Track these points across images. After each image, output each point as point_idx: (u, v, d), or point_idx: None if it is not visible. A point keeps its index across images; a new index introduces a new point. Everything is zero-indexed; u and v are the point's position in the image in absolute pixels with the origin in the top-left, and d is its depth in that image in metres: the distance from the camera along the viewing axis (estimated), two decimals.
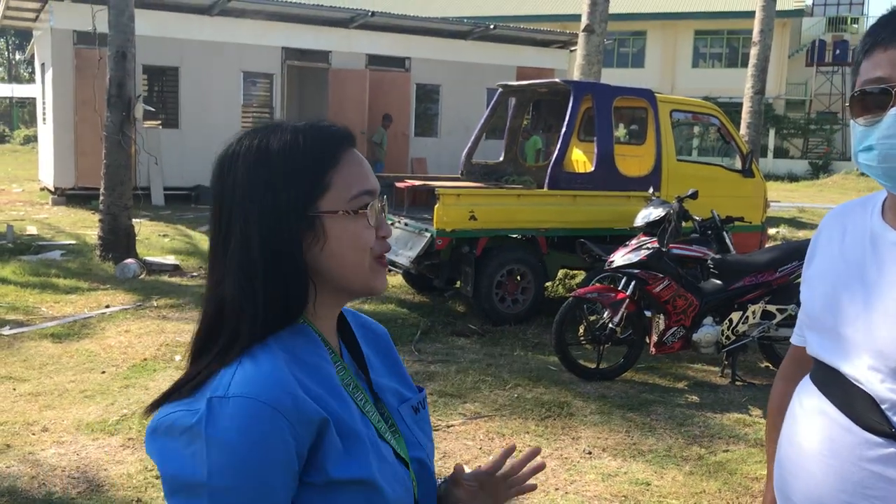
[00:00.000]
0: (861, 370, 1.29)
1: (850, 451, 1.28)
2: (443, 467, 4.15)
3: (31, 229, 11.62)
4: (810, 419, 1.38)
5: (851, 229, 1.41)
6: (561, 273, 8.46)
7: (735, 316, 5.75)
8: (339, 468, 1.03)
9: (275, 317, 1.06)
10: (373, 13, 16.43)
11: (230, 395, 0.98)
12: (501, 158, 9.55)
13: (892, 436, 1.23)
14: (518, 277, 7.29)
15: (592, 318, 5.88)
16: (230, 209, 1.08)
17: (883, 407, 1.25)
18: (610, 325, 5.69)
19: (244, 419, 0.97)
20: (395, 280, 8.70)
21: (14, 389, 5.14)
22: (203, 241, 11.22)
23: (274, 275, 1.05)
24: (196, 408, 0.99)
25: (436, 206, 6.84)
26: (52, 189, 15.31)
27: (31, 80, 41.05)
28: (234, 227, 1.07)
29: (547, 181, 7.64)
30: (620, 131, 10.81)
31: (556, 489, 3.97)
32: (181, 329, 6.54)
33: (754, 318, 5.78)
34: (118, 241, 9.27)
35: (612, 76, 19.55)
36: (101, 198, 9.37)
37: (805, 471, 1.36)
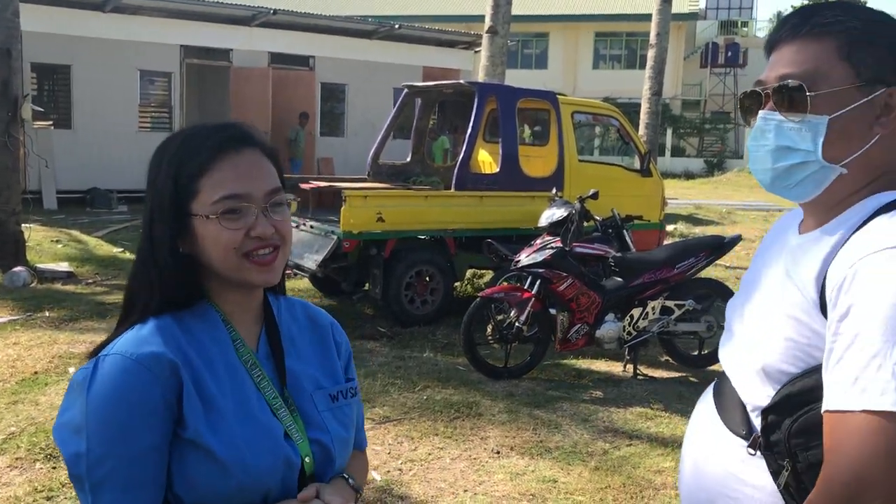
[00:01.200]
0: (735, 372, 1.33)
1: (720, 454, 1.31)
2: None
3: None
4: (699, 425, 1.42)
5: (781, 235, 1.42)
6: (469, 273, 8.52)
7: (636, 312, 5.92)
8: (195, 429, 1.20)
9: (167, 296, 1.26)
10: (275, 11, 16.14)
11: (109, 353, 1.21)
12: (409, 159, 9.54)
13: (749, 437, 1.26)
14: (427, 278, 7.30)
15: (500, 317, 5.95)
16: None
17: (748, 409, 1.28)
18: (517, 323, 5.76)
19: (112, 373, 1.18)
20: (302, 284, 8.57)
21: None
22: (98, 246, 10.78)
23: (158, 263, 1.26)
24: (90, 366, 1.21)
25: (342, 208, 6.78)
26: None
27: None
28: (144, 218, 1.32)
29: (454, 182, 7.67)
30: (525, 132, 10.98)
31: (465, 491, 3.98)
32: (75, 340, 6.26)
33: (654, 313, 5.96)
34: (6, 249, 8.79)
35: (517, 77, 19.82)
36: None
37: (687, 474, 1.40)
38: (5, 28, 8.68)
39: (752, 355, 1.27)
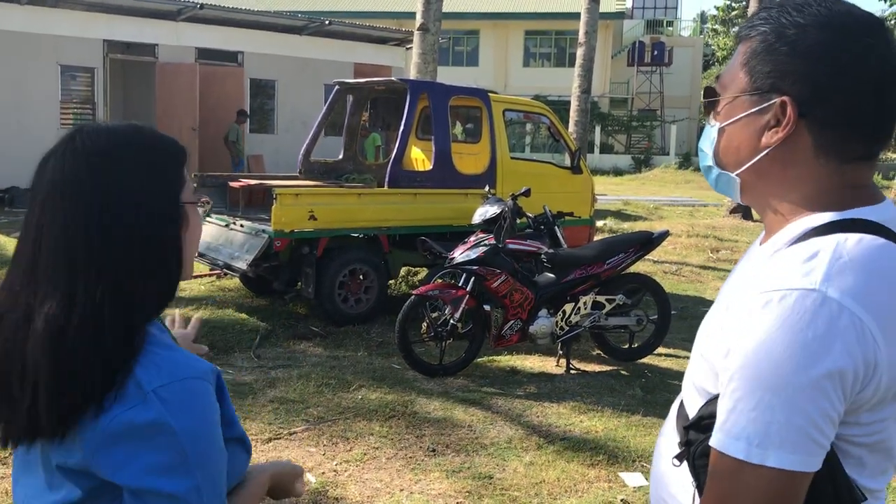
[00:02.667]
0: (685, 381, 1.31)
1: (665, 457, 1.31)
2: None
3: None
4: (665, 427, 1.40)
5: (755, 243, 1.39)
6: (403, 271, 8.50)
7: (568, 307, 6.01)
8: (235, 424, 1.25)
9: (165, 301, 1.20)
10: (201, 5, 15.80)
11: (167, 382, 1.10)
12: (341, 156, 9.46)
13: (684, 438, 1.24)
14: (361, 277, 7.25)
15: (434, 315, 5.96)
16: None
17: (688, 412, 1.26)
18: (451, 321, 5.78)
19: (190, 397, 1.11)
20: (233, 283, 8.43)
21: None
22: None
23: (165, 263, 1.18)
24: (138, 403, 1.08)
25: (273, 207, 6.68)
26: None
27: None
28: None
29: (387, 180, 7.64)
30: (457, 129, 11.02)
31: (402, 490, 3.98)
32: None
33: (585, 308, 6.06)
34: None
35: (448, 74, 19.85)
36: None
37: (651, 475, 1.41)
38: None
39: (690, 368, 1.27)
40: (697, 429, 1.18)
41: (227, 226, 7.34)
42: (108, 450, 1.09)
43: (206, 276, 8.82)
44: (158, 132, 1.27)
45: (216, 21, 16.62)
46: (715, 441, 1.08)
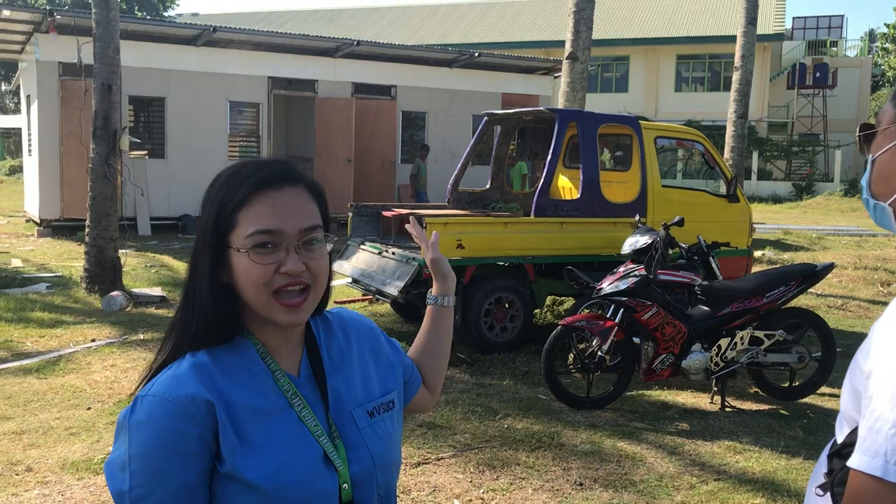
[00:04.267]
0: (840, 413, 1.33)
1: (814, 481, 1.31)
2: (433, 502, 4.12)
3: (16, 262, 11.52)
4: (815, 469, 1.41)
5: None
6: (549, 300, 8.46)
7: (723, 342, 5.76)
8: (231, 464, 1.22)
9: (206, 327, 1.28)
10: (358, 42, 16.55)
11: (147, 394, 1.24)
12: (488, 186, 9.58)
13: (828, 467, 1.26)
14: (506, 305, 7.29)
15: (581, 346, 5.88)
16: None
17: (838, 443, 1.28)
18: (599, 353, 5.68)
19: (148, 414, 1.21)
20: (384, 309, 8.68)
21: None
22: None
23: (199, 292, 1.29)
24: (131, 406, 1.25)
25: None
26: (38, 221, 15.24)
27: (16, 110, 40.94)
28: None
29: (533, 208, 7.65)
30: (605, 156, 10.88)
31: None
32: None
33: (742, 344, 5.79)
34: (104, 274, 9.22)
35: (597, 101, 19.72)
36: (87, 230, 9.33)
37: None
38: (107, 65, 9.17)
39: (841, 400, 1.29)
40: (840, 456, 1.20)
41: (379, 253, 7.59)
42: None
43: (358, 300, 9.13)
44: (234, 170, 1.34)
45: (371, 56, 17.34)
46: (852, 461, 1.08)
